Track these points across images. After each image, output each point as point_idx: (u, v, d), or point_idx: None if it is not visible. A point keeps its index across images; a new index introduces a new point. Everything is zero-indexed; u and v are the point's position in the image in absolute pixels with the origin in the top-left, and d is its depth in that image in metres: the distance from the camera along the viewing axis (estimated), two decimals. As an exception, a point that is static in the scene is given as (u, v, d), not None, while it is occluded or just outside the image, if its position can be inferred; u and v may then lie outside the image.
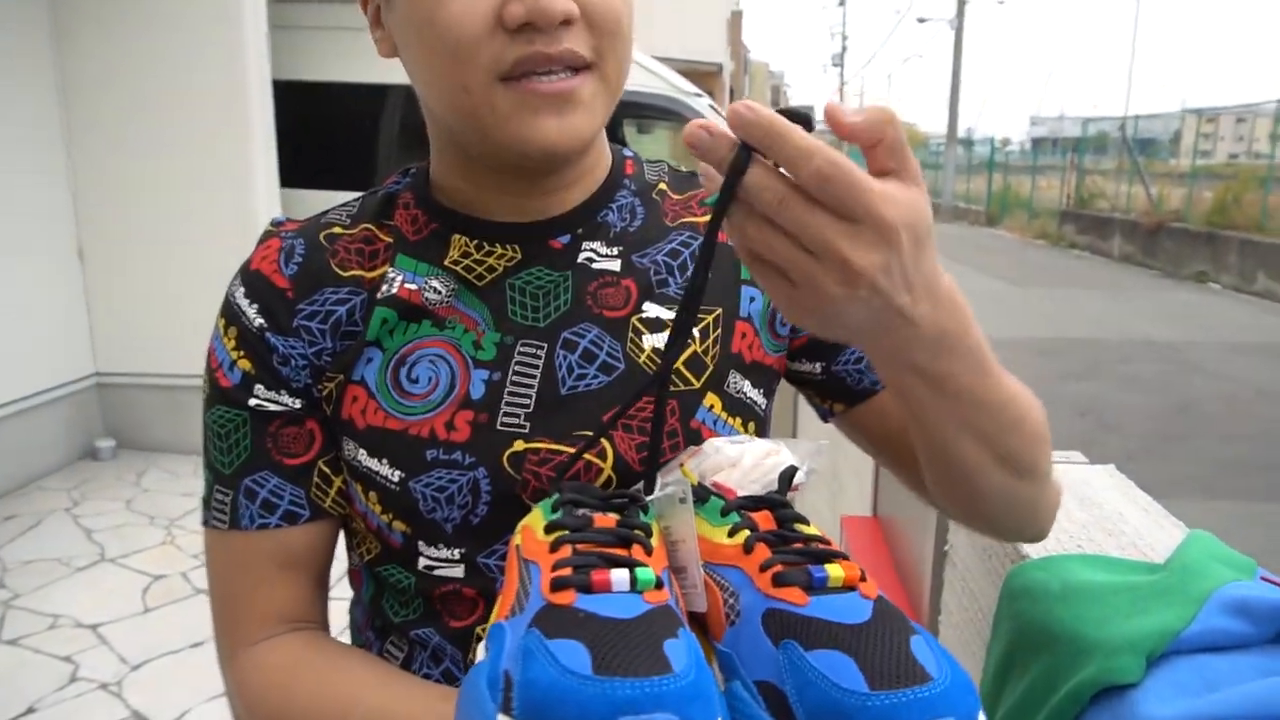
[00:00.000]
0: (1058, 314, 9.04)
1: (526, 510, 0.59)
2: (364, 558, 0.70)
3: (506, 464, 0.63)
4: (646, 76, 4.72)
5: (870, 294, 0.43)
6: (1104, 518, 0.90)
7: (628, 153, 0.77)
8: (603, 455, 0.64)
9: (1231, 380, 6.51)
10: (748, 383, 0.69)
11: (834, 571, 0.46)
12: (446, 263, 0.67)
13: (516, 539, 0.54)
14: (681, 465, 0.58)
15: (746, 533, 0.51)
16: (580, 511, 0.54)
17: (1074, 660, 0.63)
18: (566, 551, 0.49)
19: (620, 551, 0.49)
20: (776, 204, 0.42)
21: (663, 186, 0.75)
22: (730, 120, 0.41)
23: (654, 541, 0.52)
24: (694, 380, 0.67)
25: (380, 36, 0.65)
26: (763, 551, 0.49)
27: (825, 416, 0.76)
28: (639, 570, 0.45)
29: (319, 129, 4.50)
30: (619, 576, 0.44)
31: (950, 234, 18.05)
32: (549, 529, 0.51)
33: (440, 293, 0.66)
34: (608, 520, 0.52)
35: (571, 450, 0.64)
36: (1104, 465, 1.06)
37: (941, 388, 0.51)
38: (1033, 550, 0.82)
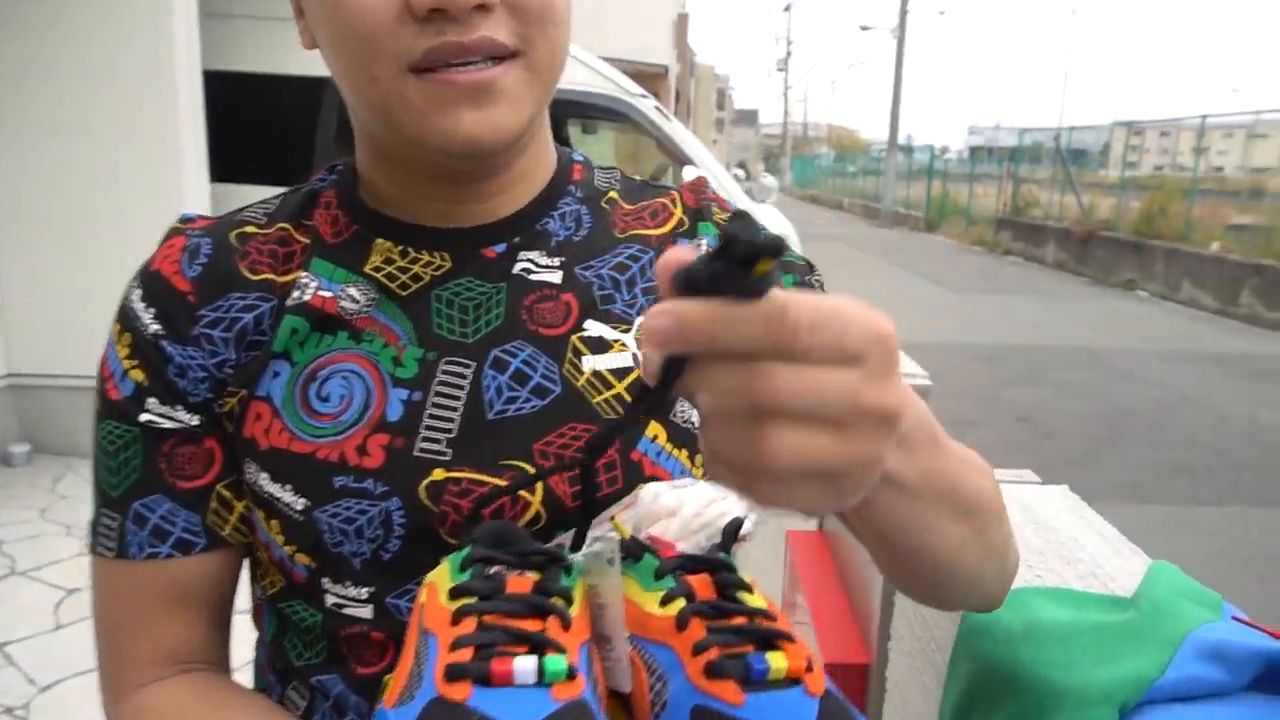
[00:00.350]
0: (996, 320, 9.22)
1: (444, 547, 0.54)
2: (267, 591, 0.63)
3: (423, 494, 0.57)
4: (591, 76, 4.66)
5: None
6: (1060, 543, 0.87)
7: (577, 156, 0.72)
8: (531, 489, 0.58)
9: (1159, 387, 6.70)
10: (696, 412, 0.64)
11: (776, 662, 0.41)
12: (367, 269, 0.61)
13: (422, 597, 0.47)
14: (613, 518, 0.52)
15: (682, 602, 0.46)
16: (494, 570, 0.48)
17: (1041, 708, 0.59)
18: (470, 625, 0.43)
19: (533, 625, 0.44)
20: (782, 391, 0.32)
21: (613, 195, 0.69)
22: (650, 337, 0.33)
23: (575, 610, 0.46)
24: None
25: (302, 27, 0.59)
26: (697, 629, 0.43)
27: None
28: (549, 660, 0.39)
29: (254, 122, 4.34)
30: (523, 667, 0.39)
31: (891, 239, 18.34)
32: (454, 593, 0.45)
33: (358, 302, 0.60)
34: (523, 583, 0.46)
35: (497, 482, 0.58)
36: (1057, 486, 1.03)
37: (909, 479, 0.43)
38: (991, 581, 0.78)
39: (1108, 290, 11.92)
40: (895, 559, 0.53)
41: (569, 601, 0.46)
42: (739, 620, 0.46)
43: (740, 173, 7.55)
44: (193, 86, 3.86)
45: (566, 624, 0.45)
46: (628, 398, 0.61)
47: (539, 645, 0.41)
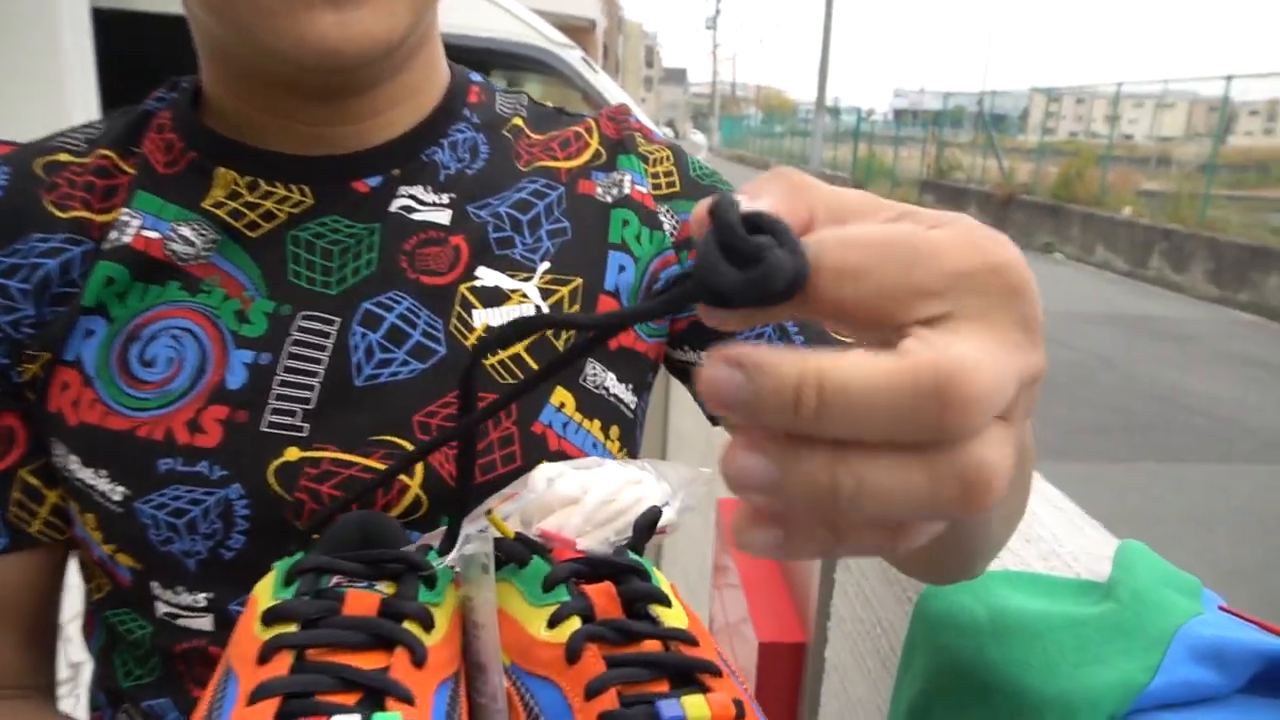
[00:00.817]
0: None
1: (298, 542, 0.44)
2: (93, 596, 0.53)
3: (273, 479, 0.48)
4: (516, 25, 4.47)
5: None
6: (1018, 520, 0.80)
7: (474, 77, 0.61)
8: (409, 471, 0.48)
9: (1077, 349, 6.86)
10: (612, 375, 0.54)
11: (694, 710, 0.32)
12: (206, 205, 0.50)
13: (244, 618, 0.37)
14: (489, 512, 0.42)
15: (575, 623, 0.36)
16: (333, 582, 0.38)
17: (1016, 718, 0.52)
18: (283, 664, 0.33)
19: (372, 661, 0.34)
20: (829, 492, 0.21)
21: (518, 122, 0.59)
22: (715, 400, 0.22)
23: (436, 637, 0.36)
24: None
25: None
26: (594, 661, 0.34)
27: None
28: (382, 718, 0.30)
29: (149, 65, 4.04)
30: None
31: (817, 201, 18.43)
32: (269, 617, 0.34)
33: (194, 245, 0.50)
34: (366, 602, 0.36)
35: (367, 462, 0.48)
36: (1007, 455, 0.97)
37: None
38: (947, 564, 0.71)
39: (1027, 253, 12.05)
40: (932, 556, 0.45)
41: (428, 625, 0.36)
42: (650, 646, 0.36)
43: (669, 131, 7.43)
44: (80, 25, 3.56)
45: (419, 659, 0.35)
46: (527, 359, 0.51)
47: (375, 692, 0.31)
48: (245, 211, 0.51)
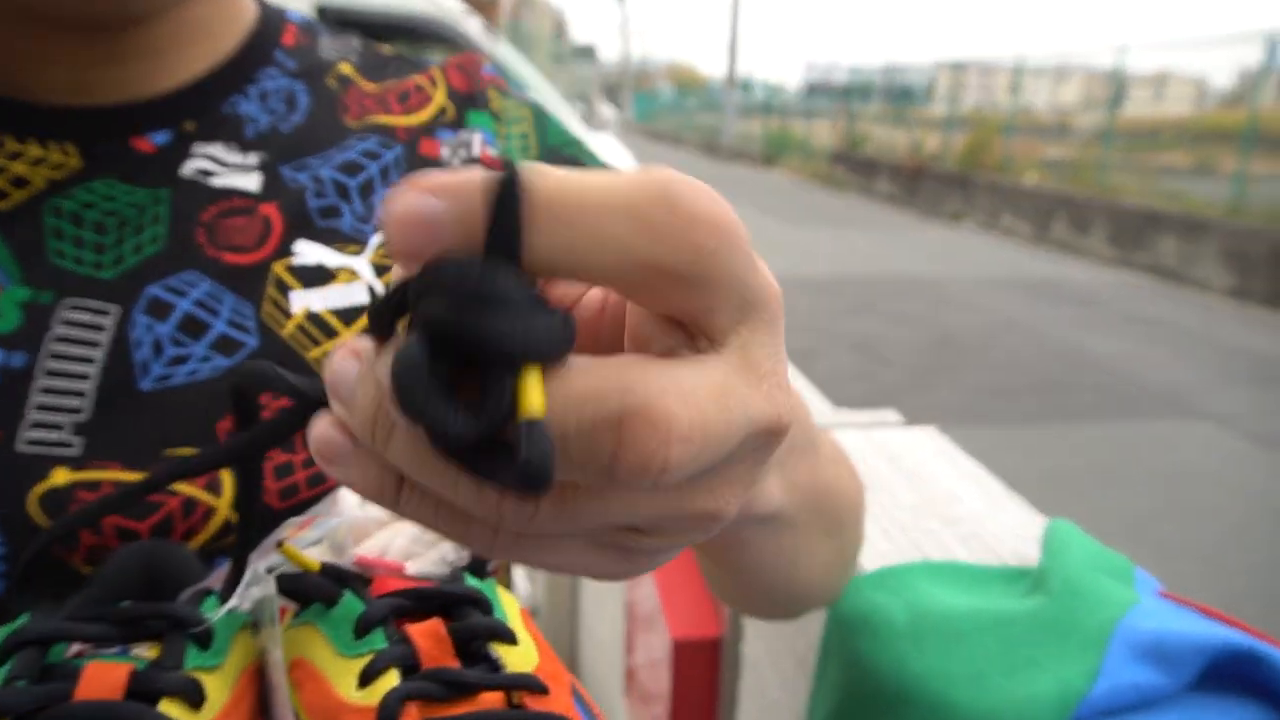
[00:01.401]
0: (833, 253, 9.42)
1: (73, 584, 0.35)
2: None
3: (35, 509, 0.38)
4: (414, -7, 4.29)
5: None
6: (936, 499, 0.74)
7: (294, 17, 0.51)
8: (215, 486, 0.39)
9: (983, 312, 7.01)
10: None
11: None
12: None
13: None
14: (282, 543, 0.33)
15: (394, 677, 0.28)
16: (72, 651, 0.29)
17: (942, 737, 0.45)
18: None
19: None
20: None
21: (345, 69, 0.50)
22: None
23: (204, 716, 0.28)
24: None
25: None
26: None
27: None
28: None
29: None
30: None
31: (731, 176, 18.50)
32: None
33: None
34: (110, 678, 0.27)
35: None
36: (924, 427, 0.92)
37: (786, 510, 0.33)
38: (862, 555, 0.65)
39: (936, 222, 12.44)
40: (752, 590, 0.38)
41: (195, 700, 0.28)
42: (488, 700, 0.28)
43: (581, 105, 7.30)
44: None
45: None
46: None
47: None
48: None
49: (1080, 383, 5.42)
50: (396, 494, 0.22)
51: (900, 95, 19.09)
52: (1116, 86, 11.79)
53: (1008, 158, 12.70)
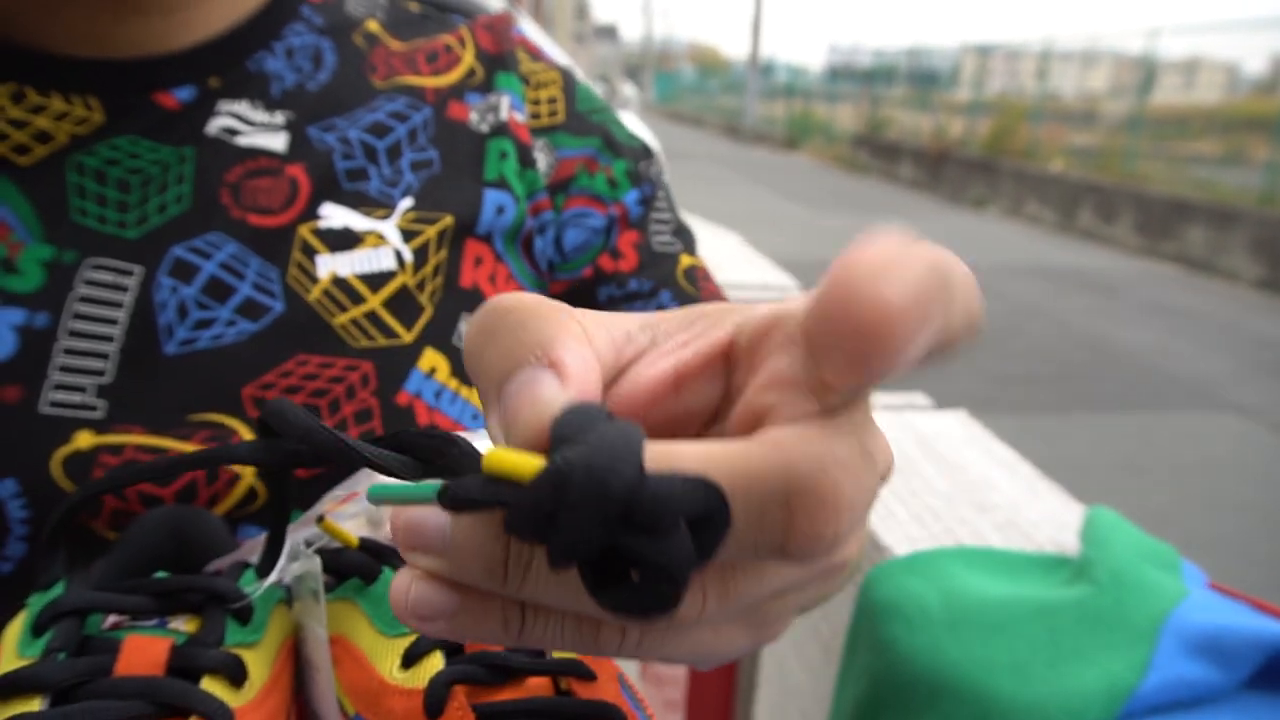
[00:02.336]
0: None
1: (96, 548, 0.35)
2: None
3: (58, 472, 0.38)
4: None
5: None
6: (970, 485, 0.72)
7: None
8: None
9: (1006, 300, 6.94)
10: None
11: None
12: None
13: None
14: (323, 518, 0.32)
15: (438, 660, 0.27)
16: (109, 622, 0.29)
17: (980, 730, 0.43)
18: None
19: None
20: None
21: (373, 27, 0.49)
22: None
23: (246, 695, 0.27)
24: (402, 330, 0.42)
25: None
26: (461, 713, 0.26)
27: None
28: None
29: None
30: None
31: (752, 159, 18.38)
32: (4, 689, 0.25)
33: None
34: (151, 652, 0.27)
35: (184, 447, 0.38)
36: (954, 411, 0.89)
37: None
38: (892, 539, 0.63)
39: (959, 208, 12.32)
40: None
41: (237, 679, 0.28)
42: (535, 686, 0.27)
43: (603, 85, 7.26)
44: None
45: None
46: (385, 316, 0.42)
47: None
48: (9, 131, 0.40)
49: (1104, 373, 5.36)
50: (520, 626, 0.20)
51: (924, 79, 18.87)
52: (1146, 72, 11.59)
53: (1033, 144, 12.54)
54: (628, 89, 5.80)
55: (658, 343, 0.23)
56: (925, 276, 0.17)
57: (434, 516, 0.19)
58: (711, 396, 0.23)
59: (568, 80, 0.52)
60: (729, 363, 0.22)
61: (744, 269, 1.43)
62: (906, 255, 0.17)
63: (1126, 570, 0.48)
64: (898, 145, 15.55)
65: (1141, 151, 11.00)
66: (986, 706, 0.43)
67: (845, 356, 0.17)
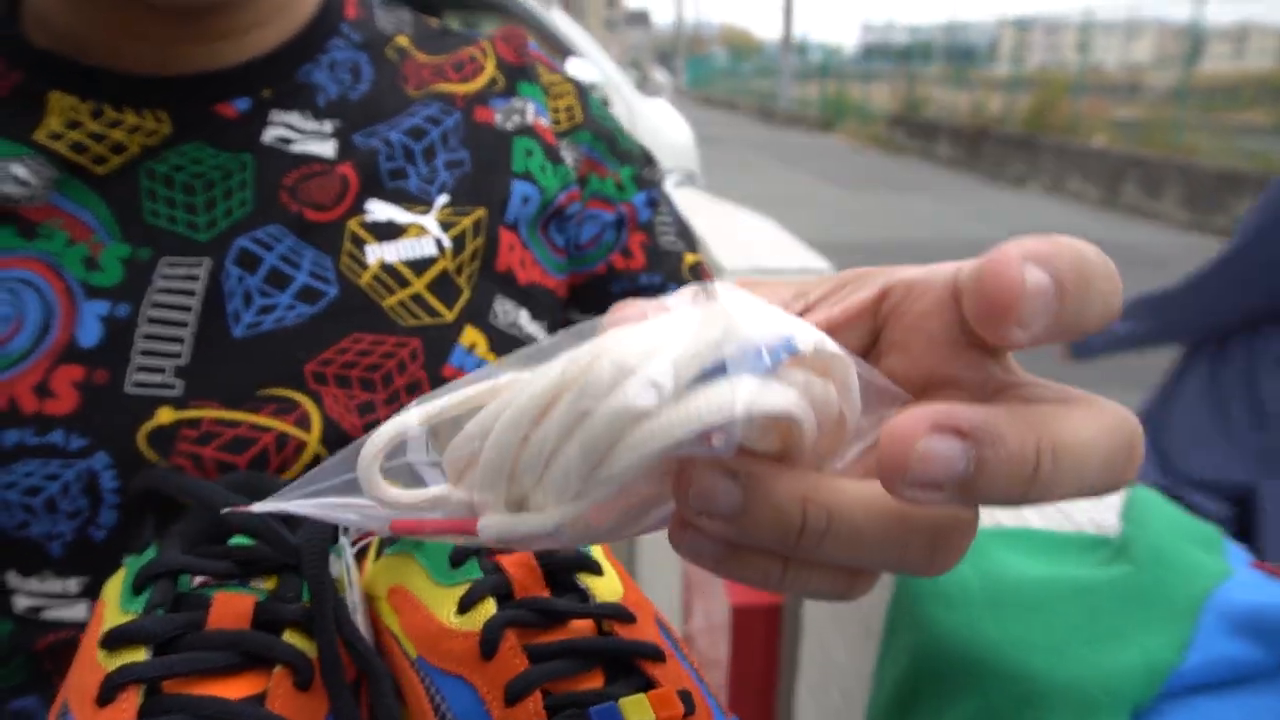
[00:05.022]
0: (890, 218, 9.26)
1: (172, 513, 0.37)
2: None
3: (144, 445, 0.42)
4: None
5: None
6: (1008, 465, 0.72)
7: None
8: (304, 422, 0.43)
9: (1050, 279, 6.84)
10: (525, 312, 0.51)
11: (635, 712, 0.27)
12: (40, 137, 0.45)
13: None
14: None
15: (490, 606, 0.30)
16: (197, 581, 0.32)
17: (1020, 708, 0.44)
18: (128, 708, 0.27)
19: (244, 688, 0.28)
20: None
21: (402, 42, 0.54)
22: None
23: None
24: (444, 310, 0.47)
25: None
26: (513, 653, 0.29)
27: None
28: None
29: None
30: None
31: (787, 141, 18.25)
32: (112, 640, 0.28)
33: (28, 184, 0.44)
34: (238, 608, 0.30)
35: (256, 419, 0.43)
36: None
37: None
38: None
39: (999, 186, 12.13)
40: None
41: (323, 633, 0.30)
42: (579, 628, 0.30)
43: (634, 72, 7.25)
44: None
45: (304, 680, 0.29)
46: (429, 298, 0.47)
47: None
48: (89, 143, 0.45)
49: (1151, 350, 5.26)
50: (781, 576, 0.23)
51: (961, 55, 18.57)
52: (1193, 40, 11.30)
53: (1075, 118, 12.29)
54: (659, 75, 5.79)
55: (810, 308, 0.26)
56: (1064, 268, 0.21)
57: (724, 484, 0.21)
58: (855, 345, 0.26)
59: (580, 90, 0.58)
60: (875, 317, 0.26)
61: (781, 255, 1.43)
62: (1054, 249, 0.21)
63: (1167, 549, 0.48)
64: (935, 123, 15.33)
65: (1189, 123, 10.73)
66: (1026, 685, 0.44)
67: (984, 321, 0.21)
